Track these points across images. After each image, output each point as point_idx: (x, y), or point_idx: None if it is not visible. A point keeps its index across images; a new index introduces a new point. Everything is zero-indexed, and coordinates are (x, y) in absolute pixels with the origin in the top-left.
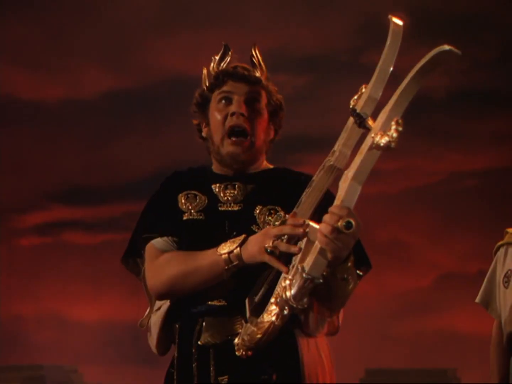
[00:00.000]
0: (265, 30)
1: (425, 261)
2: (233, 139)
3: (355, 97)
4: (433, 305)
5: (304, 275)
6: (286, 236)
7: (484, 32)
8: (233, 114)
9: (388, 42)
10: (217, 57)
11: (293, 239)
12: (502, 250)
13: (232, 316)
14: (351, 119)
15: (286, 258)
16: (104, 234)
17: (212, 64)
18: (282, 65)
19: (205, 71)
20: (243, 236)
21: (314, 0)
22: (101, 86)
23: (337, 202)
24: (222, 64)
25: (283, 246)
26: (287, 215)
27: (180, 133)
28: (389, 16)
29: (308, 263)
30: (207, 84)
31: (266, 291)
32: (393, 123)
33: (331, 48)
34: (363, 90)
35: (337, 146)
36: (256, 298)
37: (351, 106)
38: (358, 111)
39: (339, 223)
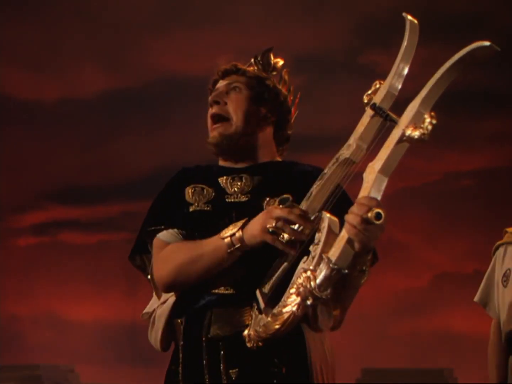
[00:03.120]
0: (261, 30)
1: (421, 261)
2: (213, 126)
3: (369, 92)
4: (429, 305)
5: (331, 265)
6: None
7: (484, 32)
8: (211, 105)
9: (406, 38)
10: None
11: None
12: (501, 249)
13: (240, 306)
14: (367, 113)
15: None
16: (101, 234)
17: None
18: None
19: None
20: (245, 219)
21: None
22: (97, 85)
23: (363, 193)
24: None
25: (288, 230)
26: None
27: (176, 132)
28: (404, 14)
29: (334, 253)
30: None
31: (277, 282)
32: (426, 116)
33: (328, 48)
34: (377, 86)
35: (353, 140)
36: (267, 289)
37: (366, 101)
38: (378, 105)
39: (369, 214)
